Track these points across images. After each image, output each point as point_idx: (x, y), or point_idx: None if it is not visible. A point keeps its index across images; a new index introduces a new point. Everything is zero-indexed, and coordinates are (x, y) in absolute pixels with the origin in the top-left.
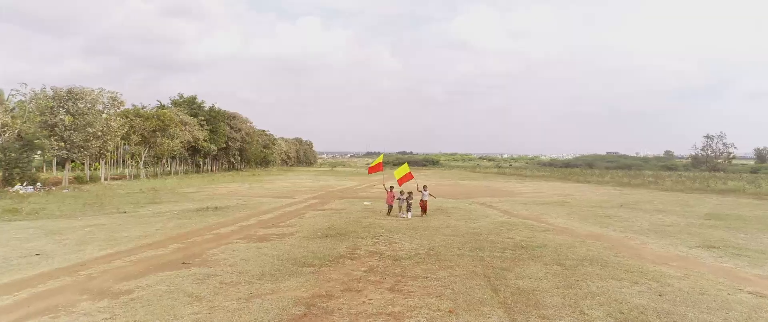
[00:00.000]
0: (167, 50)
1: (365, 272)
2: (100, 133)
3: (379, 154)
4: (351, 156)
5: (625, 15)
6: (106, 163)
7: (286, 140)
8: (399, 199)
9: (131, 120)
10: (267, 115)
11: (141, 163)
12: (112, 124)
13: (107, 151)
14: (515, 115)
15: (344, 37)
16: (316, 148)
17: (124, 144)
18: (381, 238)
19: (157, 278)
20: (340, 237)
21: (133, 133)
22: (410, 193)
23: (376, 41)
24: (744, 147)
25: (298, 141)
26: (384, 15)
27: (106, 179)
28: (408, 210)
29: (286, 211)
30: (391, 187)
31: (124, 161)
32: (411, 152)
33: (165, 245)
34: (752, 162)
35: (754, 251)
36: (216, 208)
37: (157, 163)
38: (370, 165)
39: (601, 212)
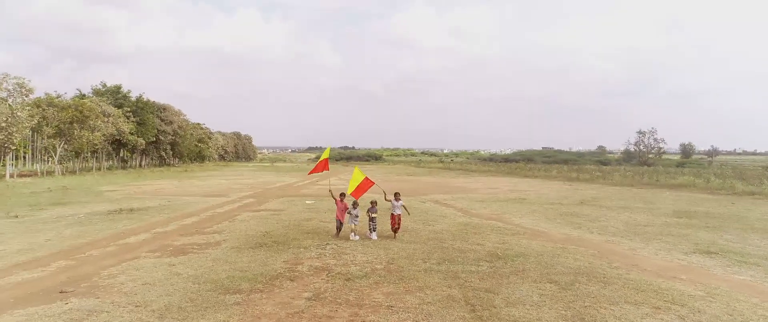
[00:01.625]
0: (95, 40)
1: (309, 299)
2: (3, 125)
3: (321, 149)
4: (292, 151)
5: (556, 16)
6: (17, 157)
7: (224, 135)
8: (351, 213)
9: (44, 110)
10: (204, 109)
11: (55, 158)
12: (19, 114)
13: (12, 144)
14: (454, 111)
15: (283, 32)
16: (256, 143)
17: (43, 138)
18: (328, 247)
19: (13, 320)
20: (278, 247)
21: (47, 124)
22: (374, 203)
23: (316, 37)
24: (670, 142)
25: (237, 135)
26: (322, 9)
27: (12, 176)
28: (372, 229)
29: (216, 213)
30: (342, 194)
31: (40, 156)
32: (353, 147)
33: (47, 264)
34: (678, 157)
35: (759, 258)
36: (131, 210)
37: (77, 158)
38: (315, 166)
39: (565, 210)
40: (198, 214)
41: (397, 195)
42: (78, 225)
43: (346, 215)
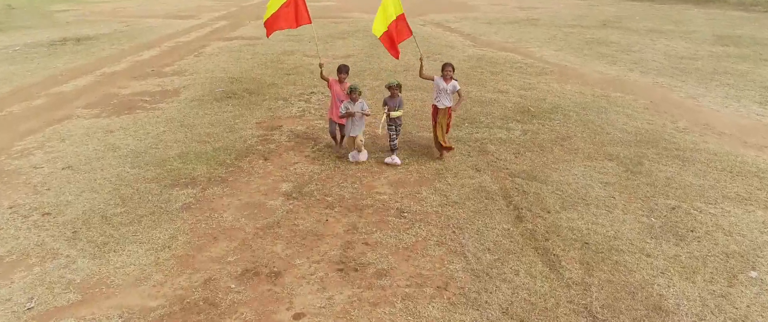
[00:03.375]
0: None
1: (289, 197)
2: None
3: None
4: None
5: None
6: None
7: None
8: (349, 108)
9: None
10: None
11: None
12: None
13: None
14: None
15: None
16: None
17: None
18: (312, 97)
19: None
20: (250, 98)
21: None
22: (395, 87)
23: None
24: None
25: None
26: None
27: None
28: (392, 144)
29: (180, 42)
30: (342, 69)
31: None
32: None
33: None
34: None
35: None
36: (79, 40)
37: None
38: (266, 18)
39: (589, 35)
40: (159, 44)
41: (446, 68)
42: (8, 63)
43: (347, 118)
